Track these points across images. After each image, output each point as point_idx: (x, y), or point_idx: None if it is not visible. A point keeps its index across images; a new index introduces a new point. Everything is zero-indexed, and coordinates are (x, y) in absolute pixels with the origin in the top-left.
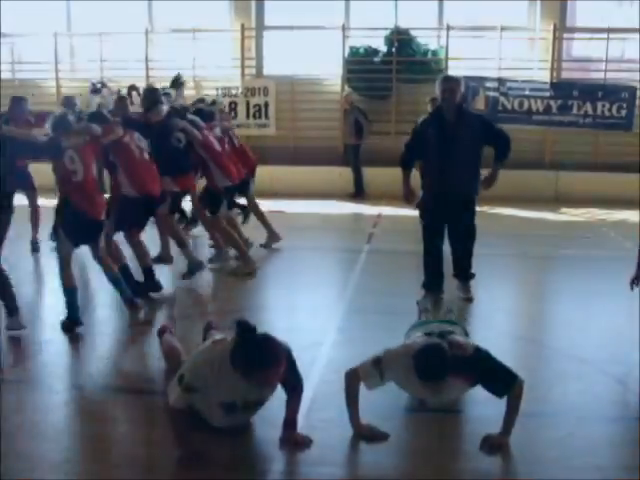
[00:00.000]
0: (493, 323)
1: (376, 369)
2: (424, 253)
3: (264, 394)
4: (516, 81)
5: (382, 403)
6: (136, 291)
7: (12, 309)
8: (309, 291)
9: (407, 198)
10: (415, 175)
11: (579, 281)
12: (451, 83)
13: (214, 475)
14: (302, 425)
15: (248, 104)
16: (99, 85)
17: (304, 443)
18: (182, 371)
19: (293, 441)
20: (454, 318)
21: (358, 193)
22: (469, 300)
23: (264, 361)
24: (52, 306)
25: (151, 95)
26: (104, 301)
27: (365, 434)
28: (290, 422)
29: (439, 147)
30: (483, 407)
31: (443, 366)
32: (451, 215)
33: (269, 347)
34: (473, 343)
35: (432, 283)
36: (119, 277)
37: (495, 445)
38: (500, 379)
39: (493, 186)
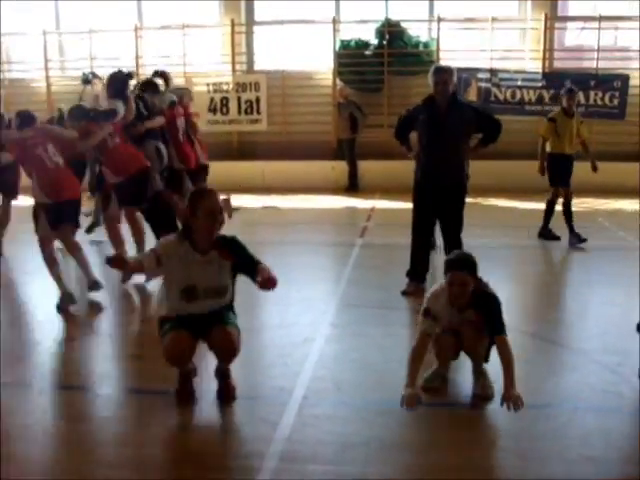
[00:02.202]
0: None
1: (428, 317)
2: (412, 243)
3: (222, 277)
4: (508, 72)
5: (377, 398)
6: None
7: None
8: (302, 286)
9: (410, 151)
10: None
11: (574, 271)
12: (444, 74)
13: (205, 473)
14: (293, 421)
15: (239, 100)
16: (90, 75)
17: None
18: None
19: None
20: None
21: (352, 187)
22: None
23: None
24: (40, 306)
25: None
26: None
27: (411, 405)
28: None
29: (429, 134)
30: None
31: (469, 261)
32: (441, 201)
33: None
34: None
35: (416, 272)
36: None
37: (512, 399)
38: (495, 322)
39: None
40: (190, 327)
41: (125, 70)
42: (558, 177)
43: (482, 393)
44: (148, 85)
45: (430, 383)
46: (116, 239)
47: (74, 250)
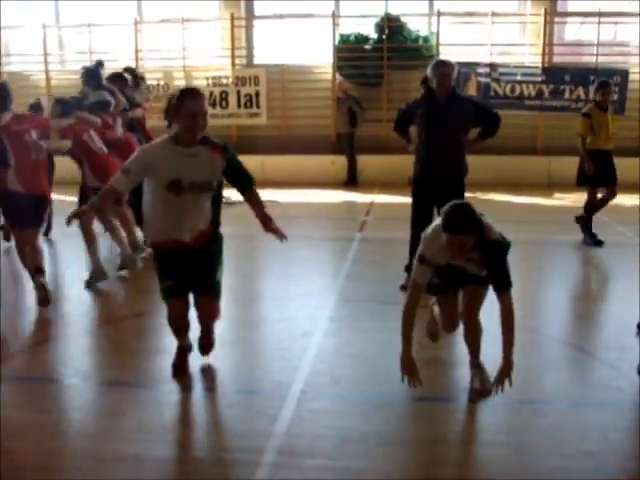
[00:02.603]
0: (484, 310)
1: (424, 264)
2: (411, 237)
3: (209, 173)
4: (508, 66)
5: (375, 392)
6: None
7: None
8: (300, 280)
9: (409, 143)
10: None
11: (572, 266)
12: (446, 68)
13: (204, 468)
14: (292, 416)
15: (239, 93)
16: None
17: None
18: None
19: (272, 228)
20: None
21: (351, 181)
22: None
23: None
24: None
25: None
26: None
27: (407, 367)
28: (264, 217)
29: (428, 127)
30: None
31: (469, 219)
32: (440, 194)
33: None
34: (500, 233)
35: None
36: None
37: (502, 378)
38: (499, 277)
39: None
40: (183, 288)
41: (94, 61)
42: (599, 176)
43: (480, 387)
44: (118, 78)
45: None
46: (89, 235)
47: (112, 229)
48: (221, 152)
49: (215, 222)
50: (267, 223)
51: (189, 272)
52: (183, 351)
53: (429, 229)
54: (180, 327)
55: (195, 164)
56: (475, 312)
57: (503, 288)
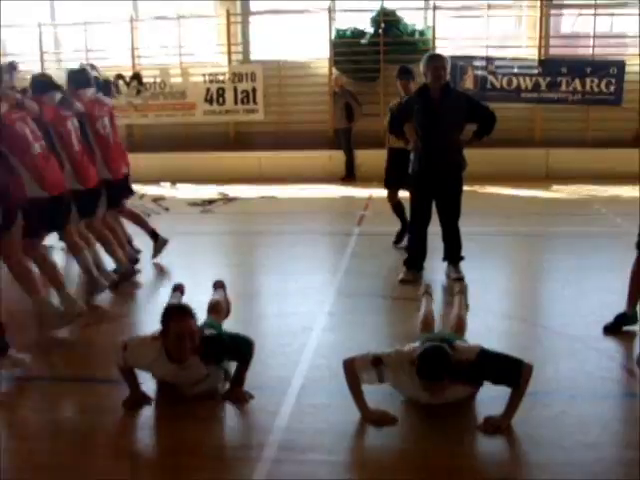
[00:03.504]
0: (484, 302)
1: (375, 369)
2: (409, 232)
3: (205, 378)
4: (504, 59)
5: (374, 387)
6: None
7: None
8: (299, 275)
9: (407, 143)
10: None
11: (570, 258)
12: (439, 62)
13: (205, 462)
14: (292, 411)
15: (236, 90)
16: (88, 67)
17: (245, 399)
18: (127, 345)
19: (235, 396)
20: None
21: (349, 176)
22: (460, 279)
23: (175, 310)
24: None
25: None
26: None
27: (374, 419)
28: (237, 379)
29: (425, 123)
30: (481, 389)
31: (445, 366)
32: (438, 188)
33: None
34: (478, 346)
35: (413, 261)
36: None
37: (495, 427)
38: (508, 374)
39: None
40: None
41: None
42: None
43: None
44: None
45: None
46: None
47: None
48: (204, 355)
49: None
50: (232, 387)
51: None
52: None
53: (396, 351)
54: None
55: (187, 374)
56: None
57: (519, 375)
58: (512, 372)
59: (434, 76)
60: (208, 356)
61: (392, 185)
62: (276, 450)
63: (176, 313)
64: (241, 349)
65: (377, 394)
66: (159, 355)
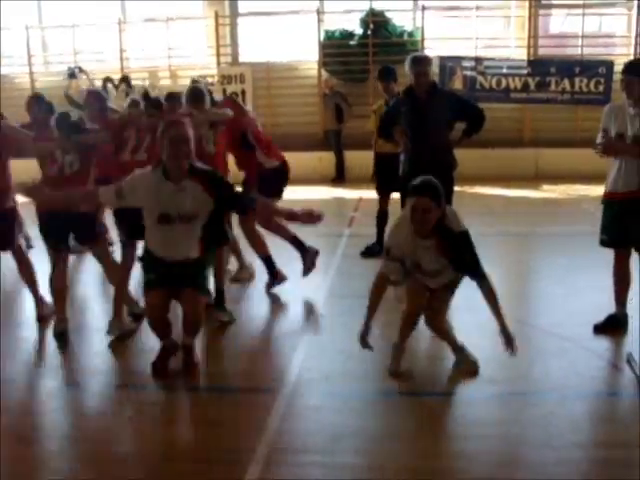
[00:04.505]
0: (474, 302)
1: (390, 258)
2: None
3: (198, 207)
4: (493, 59)
5: (365, 388)
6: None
7: None
8: (290, 276)
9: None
10: None
11: (560, 258)
12: (422, 65)
13: (196, 465)
14: (284, 412)
15: (225, 92)
16: (76, 70)
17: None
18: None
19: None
20: None
21: (339, 177)
22: None
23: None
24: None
25: None
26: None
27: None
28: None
29: (413, 124)
30: (469, 390)
31: (433, 185)
32: None
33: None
34: (465, 228)
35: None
36: None
37: (507, 338)
38: (470, 267)
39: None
40: (165, 281)
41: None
42: None
43: (466, 367)
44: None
45: (392, 367)
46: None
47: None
48: (207, 187)
49: (207, 246)
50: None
51: (175, 276)
52: (165, 351)
53: (396, 220)
54: (156, 321)
55: (184, 198)
56: (441, 319)
57: (477, 275)
58: (473, 268)
59: (417, 82)
60: (207, 183)
61: (383, 191)
62: (268, 452)
63: (173, 122)
64: (242, 198)
65: (363, 392)
66: (158, 179)
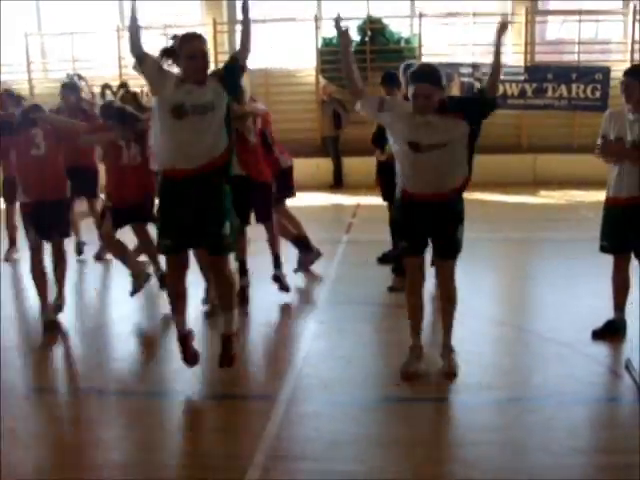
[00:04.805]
0: (473, 308)
1: (377, 99)
2: (392, 240)
3: (212, 96)
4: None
5: (364, 395)
6: None
7: None
8: (288, 283)
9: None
10: None
11: (558, 264)
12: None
13: (194, 472)
14: (281, 419)
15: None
16: (75, 77)
17: None
18: None
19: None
20: None
21: (337, 184)
22: None
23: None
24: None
25: None
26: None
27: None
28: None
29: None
30: (467, 396)
31: (433, 72)
32: None
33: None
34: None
35: (401, 268)
36: None
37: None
38: (477, 99)
39: None
40: (183, 245)
41: None
42: None
43: (448, 370)
44: None
45: (407, 366)
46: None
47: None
48: (221, 79)
49: (228, 150)
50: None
51: (193, 226)
52: (185, 339)
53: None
54: (176, 287)
55: (198, 91)
56: (453, 287)
57: (489, 101)
58: (483, 99)
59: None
60: (222, 79)
61: (390, 197)
62: (265, 459)
63: (190, 35)
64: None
65: (362, 398)
66: (179, 81)
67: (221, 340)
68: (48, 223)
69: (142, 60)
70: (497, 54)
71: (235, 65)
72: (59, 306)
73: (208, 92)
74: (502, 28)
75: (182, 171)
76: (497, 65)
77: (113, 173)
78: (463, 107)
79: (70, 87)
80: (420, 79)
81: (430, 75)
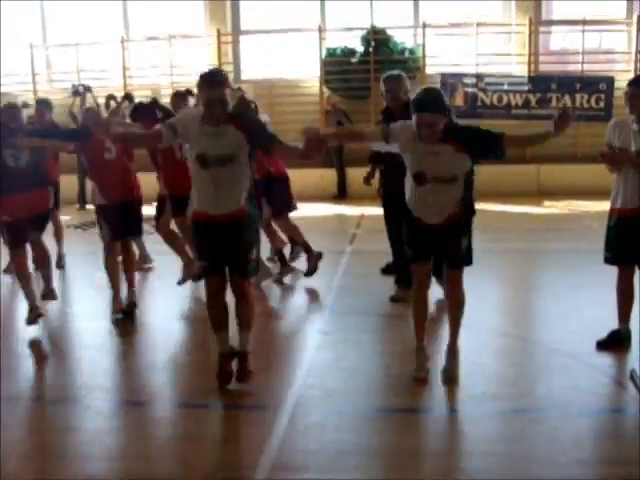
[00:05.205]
0: (477, 319)
1: (383, 130)
2: (399, 250)
3: (233, 147)
4: (494, 76)
5: (368, 405)
6: None
7: None
8: (292, 293)
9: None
10: None
11: (562, 274)
12: (391, 83)
13: None
14: (285, 430)
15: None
16: (81, 87)
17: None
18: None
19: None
20: None
21: (341, 194)
22: None
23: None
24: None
25: None
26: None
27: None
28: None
29: None
30: (472, 407)
31: (432, 98)
32: None
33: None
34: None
35: (404, 279)
36: None
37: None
38: (487, 141)
39: None
40: (218, 266)
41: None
42: None
43: (450, 374)
44: None
45: (419, 372)
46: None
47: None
48: (239, 124)
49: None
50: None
51: (223, 250)
52: (227, 358)
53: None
54: (215, 307)
55: (219, 140)
56: (461, 292)
57: (497, 141)
58: (490, 140)
59: (387, 97)
60: (240, 121)
61: (389, 204)
62: (269, 470)
63: (208, 80)
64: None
65: (365, 408)
66: (198, 119)
67: (237, 357)
68: (124, 223)
69: (162, 138)
70: (544, 138)
71: (260, 144)
72: (133, 303)
73: (227, 139)
74: (565, 120)
75: (210, 216)
76: (536, 142)
77: (171, 166)
78: (469, 144)
79: (45, 103)
80: (422, 108)
81: (432, 102)
